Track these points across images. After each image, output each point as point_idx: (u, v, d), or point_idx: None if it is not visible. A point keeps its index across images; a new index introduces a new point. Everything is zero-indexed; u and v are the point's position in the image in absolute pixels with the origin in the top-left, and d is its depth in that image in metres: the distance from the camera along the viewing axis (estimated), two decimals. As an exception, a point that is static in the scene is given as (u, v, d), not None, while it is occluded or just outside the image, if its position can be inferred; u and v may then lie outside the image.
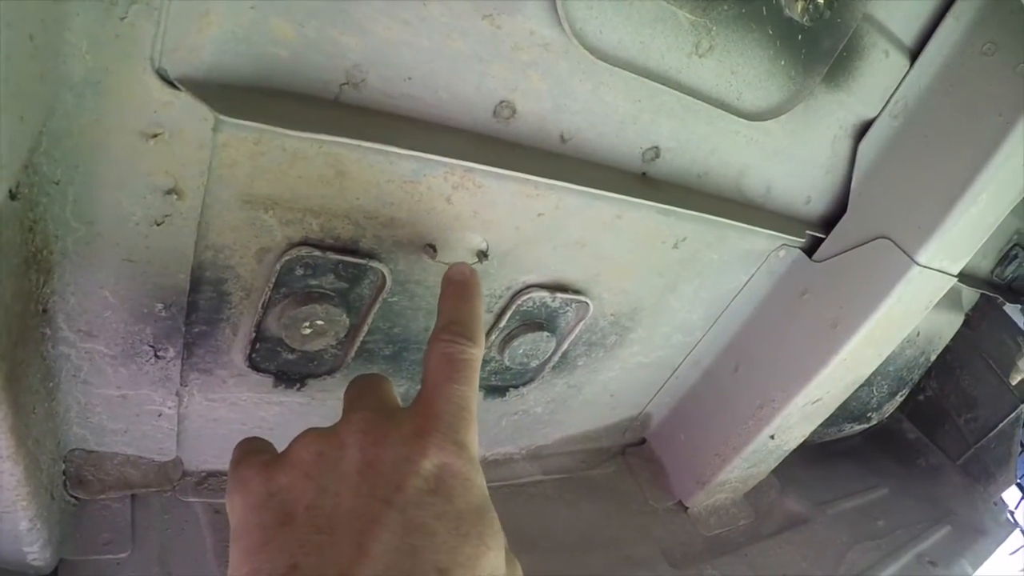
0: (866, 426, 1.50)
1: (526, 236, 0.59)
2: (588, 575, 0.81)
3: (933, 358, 1.42)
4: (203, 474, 0.67)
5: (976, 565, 1.30)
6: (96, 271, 0.46)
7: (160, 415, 0.58)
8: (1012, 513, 1.60)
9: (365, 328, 0.57)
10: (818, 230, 0.82)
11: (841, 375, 0.85)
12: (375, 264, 0.53)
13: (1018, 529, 1.57)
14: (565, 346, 0.73)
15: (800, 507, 1.14)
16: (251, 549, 0.33)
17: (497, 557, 0.35)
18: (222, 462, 0.67)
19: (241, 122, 0.40)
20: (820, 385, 0.83)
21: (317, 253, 0.50)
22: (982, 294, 1.36)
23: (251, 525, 0.34)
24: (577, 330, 0.71)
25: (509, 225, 0.57)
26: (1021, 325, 1.46)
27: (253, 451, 0.40)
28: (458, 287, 0.45)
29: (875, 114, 0.76)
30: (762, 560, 0.99)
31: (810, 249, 0.84)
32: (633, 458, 1.04)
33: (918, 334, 1.25)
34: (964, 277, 0.86)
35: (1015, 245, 1.25)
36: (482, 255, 0.58)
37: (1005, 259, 1.27)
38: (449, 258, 0.57)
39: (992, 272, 1.28)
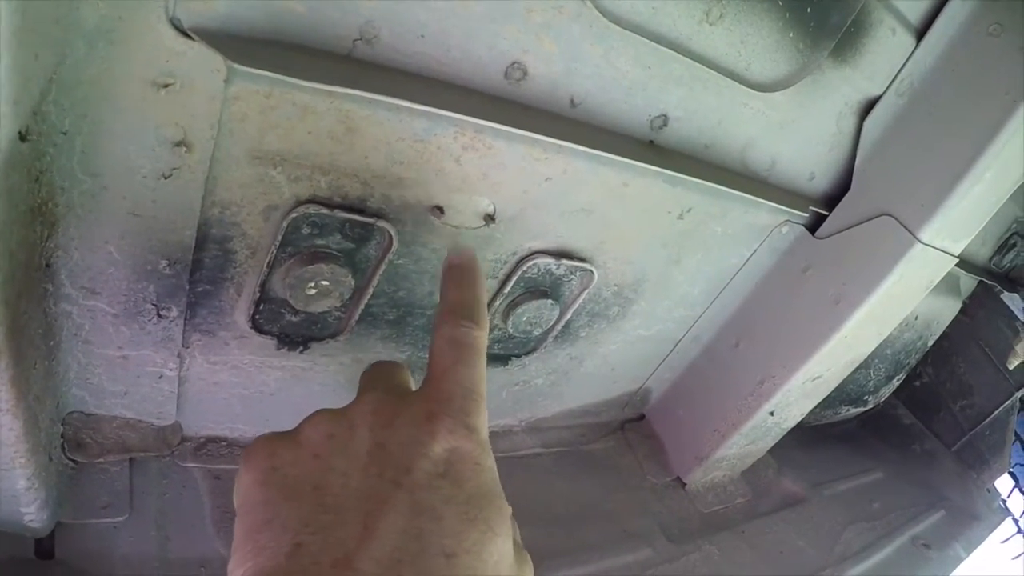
0: (862, 409, 1.51)
1: (533, 200, 0.59)
2: (586, 548, 0.82)
3: (930, 343, 1.43)
4: (202, 439, 0.67)
5: (969, 550, 1.32)
6: (101, 225, 0.45)
7: (161, 377, 0.58)
8: (1004, 501, 1.62)
9: (370, 290, 0.57)
10: (821, 206, 0.82)
11: (842, 352, 0.85)
12: (382, 224, 0.52)
13: (1010, 517, 1.59)
14: (568, 315, 0.72)
15: (797, 487, 1.15)
16: (254, 526, 0.33)
17: (504, 544, 0.34)
18: (222, 427, 0.67)
19: (254, 71, 0.40)
20: (821, 362, 0.84)
21: (324, 211, 0.50)
22: (980, 282, 1.37)
23: (255, 501, 0.34)
24: (581, 299, 0.71)
25: (517, 188, 0.57)
26: (1018, 313, 1.46)
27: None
28: (459, 271, 0.45)
29: (881, 91, 0.76)
30: (759, 537, 1.00)
31: (813, 226, 0.84)
32: (632, 433, 1.04)
33: (916, 318, 1.25)
34: (963, 263, 0.86)
35: (1014, 234, 1.26)
36: (489, 218, 0.58)
37: (1004, 247, 1.27)
38: (456, 220, 0.57)
39: (990, 260, 1.28)
